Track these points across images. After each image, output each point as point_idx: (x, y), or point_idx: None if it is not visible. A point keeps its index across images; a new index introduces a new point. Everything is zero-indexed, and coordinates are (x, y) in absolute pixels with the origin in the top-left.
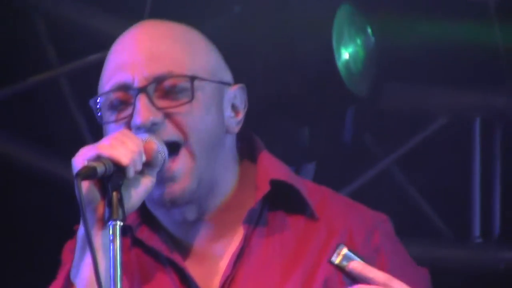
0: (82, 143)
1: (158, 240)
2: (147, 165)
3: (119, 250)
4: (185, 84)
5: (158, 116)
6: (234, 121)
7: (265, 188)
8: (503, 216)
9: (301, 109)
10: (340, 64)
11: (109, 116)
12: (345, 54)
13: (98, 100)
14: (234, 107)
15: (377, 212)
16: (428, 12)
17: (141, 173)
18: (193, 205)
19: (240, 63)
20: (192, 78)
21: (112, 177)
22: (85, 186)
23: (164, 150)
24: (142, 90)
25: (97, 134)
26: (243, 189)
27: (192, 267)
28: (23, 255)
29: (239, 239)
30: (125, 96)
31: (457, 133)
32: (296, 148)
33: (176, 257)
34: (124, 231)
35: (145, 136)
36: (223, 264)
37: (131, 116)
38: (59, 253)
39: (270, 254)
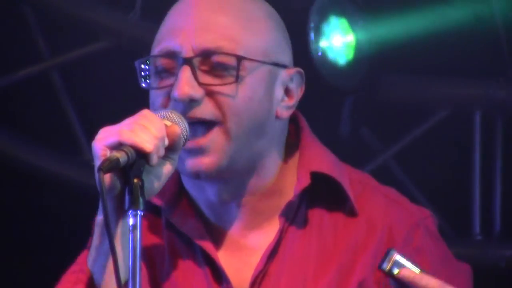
0: (72, 137)
1: (191, 225)
2: (169, 149)
3: (139, 240)
4: (233, 63)
5: (198, 92)
6: (285, 105)
7: (305, 181)
8: (504, 212)
9: None
10: (318, 57)
11: (153, 81)
12: (327, 46)
13: (147, 62)
14: (288, 91)
15: (420, 207)
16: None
17: (162, 157)
18: (229, 184)
19: None
20: (240, 59)
21: (134, 165)
22: (106, 177)
23: (186, 129)
24: (187, 61)
25: (88, 127)
26: (285, 176)
27: (224, 257)
28: (21, 253)
29: (274, 232)
30: (171, 64)
31: (457, 127)
32: None
33: (208, 247)
34: (158, 212)
35: (166, 112)
36: (256, 257)
37: (172, 86)
38: (58, 248)
39: (305, 250)
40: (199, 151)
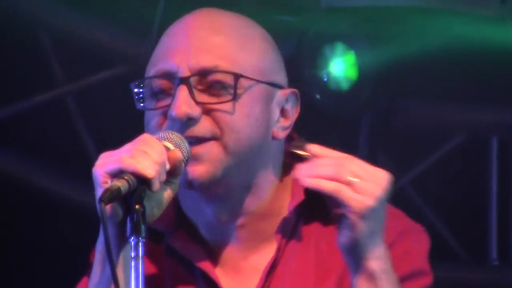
0: (88, 163)
1: (191, 248)
2: (170, 173)
3: (142, 267)
4: (230, 81)
5: (195, 111)
6: (281, 126)
7: (299, 197)
8: None
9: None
10: (323, 83)
11: (149, 103)
12: (328, 72)
13: (142, 84)
14: (283, 112)
15: (415, 223)
16: (443, 26)
17: (164, 182)
18: (226, 203)
19: None
20: (237, 76)
21: (135, 192)
22: (108, 206)
23: (187, 151)
24: (184, 80)
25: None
26: (281, 196)
27: (224, 279)
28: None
29: (273, 251)
30: (168, 85)
31: (474, 152)
32: None
33: (209, 269)
34: (158, 238)
35: (166, 133)
36: (257, 277)
37: (169, 106)
38: (72, 274)
39: (303, 265)
40: (193, 159)
